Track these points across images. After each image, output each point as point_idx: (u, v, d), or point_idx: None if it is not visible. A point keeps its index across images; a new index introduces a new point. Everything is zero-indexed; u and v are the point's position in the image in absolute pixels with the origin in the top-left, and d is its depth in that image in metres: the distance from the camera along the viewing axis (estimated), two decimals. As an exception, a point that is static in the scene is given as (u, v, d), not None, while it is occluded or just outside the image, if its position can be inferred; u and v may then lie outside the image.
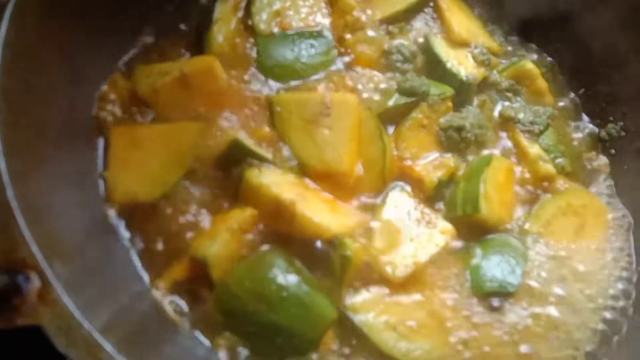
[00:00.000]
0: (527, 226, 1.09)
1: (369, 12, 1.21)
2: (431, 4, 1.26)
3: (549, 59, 1.32)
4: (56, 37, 0.90)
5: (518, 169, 1.14)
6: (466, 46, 1.23)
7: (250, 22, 1.16)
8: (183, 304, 0.95)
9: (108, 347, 0.64)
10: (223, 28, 1.12)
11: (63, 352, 0.62)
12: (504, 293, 1.01)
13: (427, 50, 1.20)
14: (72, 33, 0.94)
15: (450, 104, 1.15)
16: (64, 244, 0.77)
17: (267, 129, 1.06)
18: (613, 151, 1.23)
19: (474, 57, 1.21)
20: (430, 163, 1.08)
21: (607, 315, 1.04)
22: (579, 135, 1.25)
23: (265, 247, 0.97)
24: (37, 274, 0.66)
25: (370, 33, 1.18)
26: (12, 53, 0.79)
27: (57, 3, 0.89)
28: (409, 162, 1.08)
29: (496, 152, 1.15)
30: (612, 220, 1.14)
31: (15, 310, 0.63)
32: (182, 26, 1.16)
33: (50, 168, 0.85)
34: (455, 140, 1.10)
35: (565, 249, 1.07)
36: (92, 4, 0.96)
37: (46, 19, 0.87)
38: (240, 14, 1.16)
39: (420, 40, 1.22)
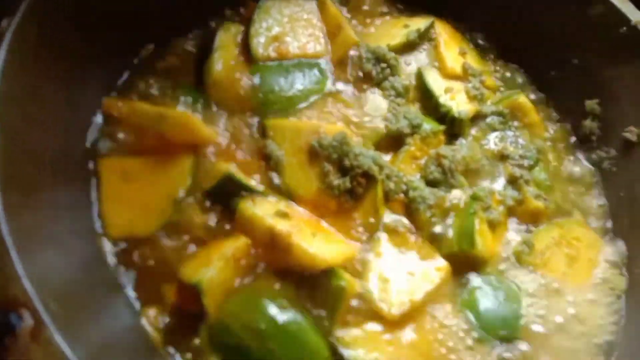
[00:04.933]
0: (521, 258, 1.10)
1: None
2: (429, 36, 1.28)
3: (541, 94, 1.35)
4: (51, 64, 0.91)
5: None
6: (460, 80, 1.25)
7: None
8: (173, 336, 0.94)
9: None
10: (222, 57, 1.12)
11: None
12: (512, 337, 1.01)
13: (420, 83, 1.22)
14: (67, 58, 0.94)
15: (442, 137, 1.17)
16: (57, 279, 0.76)
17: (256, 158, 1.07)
18: (606, 183, 1.25)
19: (467, 92, 1.23)
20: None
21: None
22: (572, 168, 1.27)
23: (259, 278, 0.97)
24: (29, 312, 0.65)
25: (367, 65, 1.19)
26: (10, 82, 0.80)
27: (53, 30, 0.90)
28: (402, 195, 1.08)
29: (491, 184, 1.16)
30: (605, 252, 1.16)
31: (6, 350, 0.62)
32: (189, 47, 1.19)
33: (45, 198, 0.85)
34: (438, 177, 1.11)
35: (559, 282, 1.09)
36: (87, 29, 0.96)
37: (42, 47, 0.88)
38: (240, 42, 1.16)
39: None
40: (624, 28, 1.17)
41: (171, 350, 0.93)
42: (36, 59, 0.87)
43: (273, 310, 0.92)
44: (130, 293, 0.95)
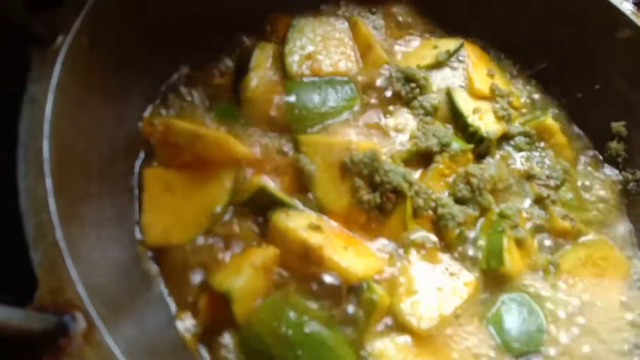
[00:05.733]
0: (547, 277, 1.11)
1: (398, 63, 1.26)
2: (458, 57, 1.31)
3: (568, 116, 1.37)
4: (99, 78, 0.94)
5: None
6: (488, 100, 1.28)
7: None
8: (205, 340, 0.97)
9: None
10: (258, 75, 1.16)
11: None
12: (534, 352, 1.03)
13: (450, 102, 1.25)
14: (113, 73, 0.98)
15: (470, 155, 1.19)
16: (103, 284, 0.79)
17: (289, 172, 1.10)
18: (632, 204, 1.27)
19: (495, 112, 1.26)
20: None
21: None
22: (598, 189, 1.28)
23: (288, 287, 0.99)
24: (82, 314, 0.68)
25: (397, 85, 1.22)
26: (63, 96, 0.83)
27: (102, 47, 0.94)
28: (430, 212, 1.10)
29: (518, 203, 1.18)
30: (631, 271, 1.17)
31: (61, 351, 0.65)
32: (227, 64, 1.23)
33: (93, 207, 0.88)
34: (466, 194, 1.13)
35: (584, 300, 1.10)
36: (133, 44, 1.00)
37: (91, 63, 0.92)
38: (275, 60, 1.20)
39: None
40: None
41: (204, 352, 0.96)
42: (86, 73, 0.91)
43: (300, 318, 0.94)
44: (167, 298, 0.98)
